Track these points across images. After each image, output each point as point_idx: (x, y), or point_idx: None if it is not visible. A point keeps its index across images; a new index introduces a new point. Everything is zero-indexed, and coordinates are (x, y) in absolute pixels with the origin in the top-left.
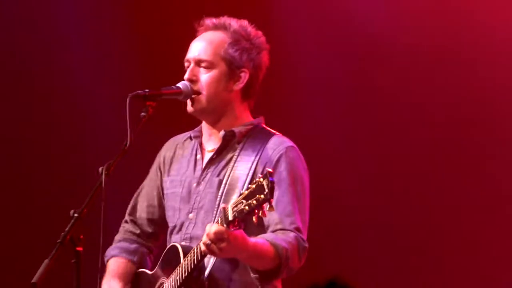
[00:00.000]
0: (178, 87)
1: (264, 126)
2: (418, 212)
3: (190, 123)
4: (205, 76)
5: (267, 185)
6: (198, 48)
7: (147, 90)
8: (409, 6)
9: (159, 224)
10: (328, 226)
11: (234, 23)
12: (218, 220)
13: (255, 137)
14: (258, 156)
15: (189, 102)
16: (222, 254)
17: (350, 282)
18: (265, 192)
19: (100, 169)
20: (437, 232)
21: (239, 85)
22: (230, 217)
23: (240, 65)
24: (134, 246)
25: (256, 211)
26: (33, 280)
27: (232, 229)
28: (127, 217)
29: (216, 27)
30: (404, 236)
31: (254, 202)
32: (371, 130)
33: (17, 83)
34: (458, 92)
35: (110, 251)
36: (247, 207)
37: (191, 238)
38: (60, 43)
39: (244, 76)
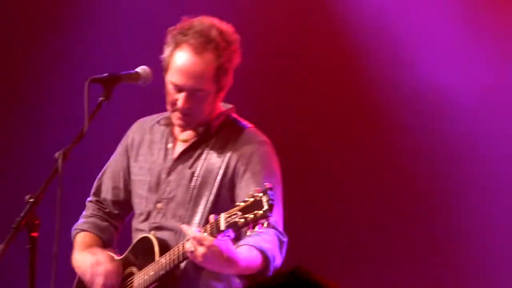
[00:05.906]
0: (137, 72)
1: (235, 116)
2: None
3: (150, 108)
4: (200, 104)
5: (267, 201)
6: (192, 79)
7: (106, 74)
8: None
9: (124, 207)
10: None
11: (220, 38)
12: (208, 228)
13: (228, 130)
14: (230, 150)
15: (179, 120)
16: (207, 263)
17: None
18: (264, 209)
19: (56, 154)
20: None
21: (224, 93)
22: (222, 227)
23: (227, 78)
24: (104, 224)
25: (251, 225)
26: None
27: (222, 238)
28: (91, 198)
29: (204, 48)
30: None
31: (251, 216)
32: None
33: None
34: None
35: (80, 225)
36: (242, 220)
37: (160, 228)
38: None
39: (229, 84)
